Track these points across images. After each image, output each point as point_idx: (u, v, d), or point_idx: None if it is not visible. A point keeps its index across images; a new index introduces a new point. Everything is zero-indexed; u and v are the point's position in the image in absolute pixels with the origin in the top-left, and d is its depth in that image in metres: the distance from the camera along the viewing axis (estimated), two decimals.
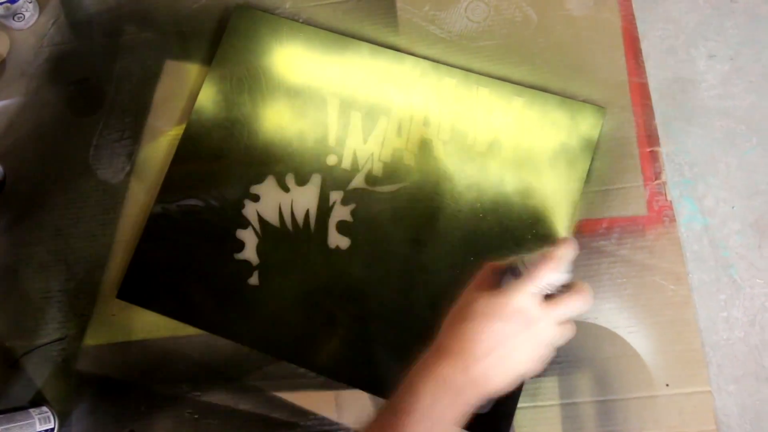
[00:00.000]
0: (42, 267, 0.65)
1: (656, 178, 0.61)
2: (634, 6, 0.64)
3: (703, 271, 0.60)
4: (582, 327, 0.59)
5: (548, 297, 0.45)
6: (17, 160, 0.68)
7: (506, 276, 0.46)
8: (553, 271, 0.45)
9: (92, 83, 0.70)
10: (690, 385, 0.57)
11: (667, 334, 0.58)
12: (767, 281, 0.59)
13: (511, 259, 0.47)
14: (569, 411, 0.57)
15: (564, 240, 0.47)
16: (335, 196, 0.63)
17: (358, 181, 0.63)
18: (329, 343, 0.60)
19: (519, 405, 0.57)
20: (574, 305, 0.45)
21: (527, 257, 0.46)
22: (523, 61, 0.64)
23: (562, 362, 0.58)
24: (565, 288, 0.46)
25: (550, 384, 0.58)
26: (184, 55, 0.69)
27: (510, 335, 0.43)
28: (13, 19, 0.70)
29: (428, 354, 0.45)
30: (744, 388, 0.58)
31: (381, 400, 0.59)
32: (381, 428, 0.44)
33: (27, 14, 0.71)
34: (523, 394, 0.57)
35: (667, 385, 0.57)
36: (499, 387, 0.44)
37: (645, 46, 0.64)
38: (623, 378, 0.57)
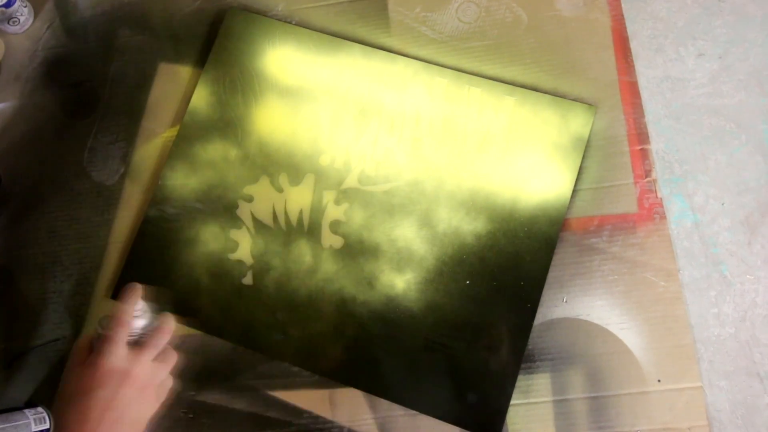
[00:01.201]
0: (37, 268, 0.66)
1: (646, 176, 0.61)
2: (623, 6, 0.65)
3: (693, 267, 0.60)
4: (574, 324, 0.59)
5: (138, 343, 0.49)
6: (12, 163, 0.69)
7: (95, 344, 0.48)
8: (126, 322, 0.49)
9: (87, 86, 0.70)
10: (681, 381, 0.57)
11: (658, 331, 0.58)
12: (757, 277, 0.60)
13: (96, 328, 0.50)
14: (562, 407, 0.58)
15: (125, 291, 0.51)
16: (328, 195, 0.63)
17: (351, 181, 0.63)
18: (323, 342, 0.60)
19: (512, 402, 0.57)
20: (157, 342, 0.49)
21: (103, 320, 0.49)
22: (514, 60, 0.65)
23: (555, 359, 0.59)
24: (149, 327, 0.50)
25: (543, 381, 0.58)
26: (178, 57, 0.69)
27: (111, 397, 0.46)
28: (8, 23, 0.71)
29: None
30: (735, 384, 0.58)
31: (375, 399, 0.59)
32: None
33: (22, 18, 0.71)
34: (515, 390, 0.57)
35: (659, 380, 0.57)
36: None
37: (634, 45, 0.64)
38: (615, 374, 0.58)
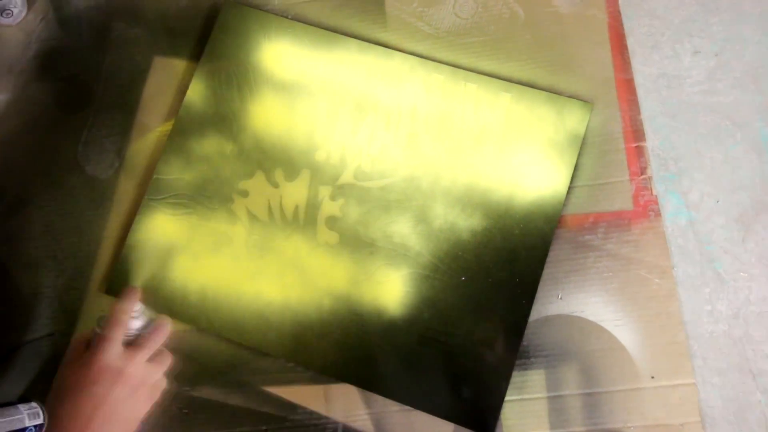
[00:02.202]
0: (31, 263, 0.65)
1: (642, 173, 0.61)
2: (620, 2, 0.65)
3: (687, 264, 0.61)
4: (569, 320, 0.59)
5: (132, 343, 0.50)
6: (5, 157, 0.68)
7: (92, 343, 0.49)
8: (123, 321, 0.50)
9: (81, 79, 0.69)
10: (675, 378, 0.58)
11: (652, 327, 0.59)
12: (751, 275, 0.60)
13: (93, 326, 0.51)
14: (556, 403, 0.58)
15: (125, 292, 0.52)
16: (324, 191, 0.63)
17: (346, 177, 0.63)
18: (317, 339, 0.60)
19: (506, 398, 0.57)
20: (151, 342, 0.50)
21: (101, 318, 0.50)
22: (511, 57, 0.65)
23: (549, 355, 0.59)
24: (145, 329, 0.51)
25: (537, 377, 0.58)
26: (173, 51, 0.69)
27: (103, 394, 0.46)
28: (1, 15, 0.70)
29: None
30: (728, 381, 0.58)
31: (370, 394, 0.59)
32: None
33: (15, 10, 0.70)
34: (510, 386, 0.57)
35: (653, 377, 0.58)
36: None
37: (631, 42, 0.64)
38: (609, 371, 0.58)
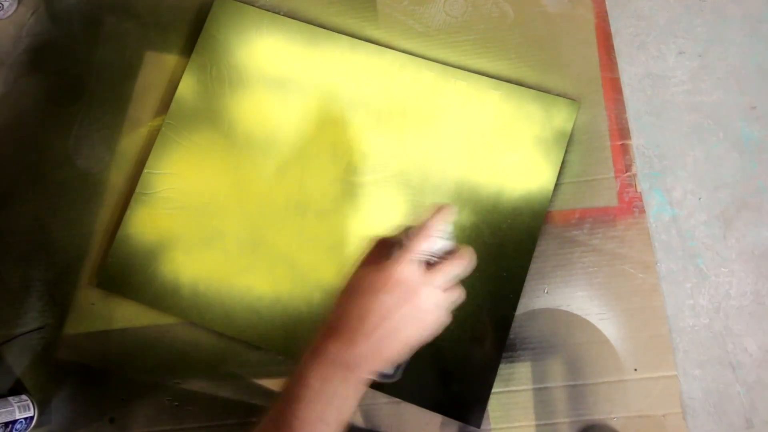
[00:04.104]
0: (22, 256, 0.65)
1: (627, 171, 0.63)
2: (607, 3, 0.66)
3: (670, 260, 0.62)
4: (554, 314, 0.60)
5: (432, 265, 0.46)
6: None
7: (393, 249, 0.46)
8: (432, 239, 0.46)
9: (72, 74, 0.69)
10: (657, 370, 0.59)
11: (635, 321, 0.60)
12: (731, 270, 0.62)
13: (399, 232, 0.48)
14: (542, 395, 0.59)
15: (440, 208, 0.47)
16: (315, 186, 0.64)
17: (337, 172, 0.64)
18: (308, 332, 0.61)
19: (493, 390, 0.58)
20: (453, 270, 0.46)
21: (411, 228, 0.47)
22: (500, 55, 0.66)
23: (536, 348, 0.60)
24: (448, 254, 0.47)
25: (524, 369, 0.60)
26: (164, 46, 0.69)
27: (393, 307, 0.44)
28: None
29: (317, 334, 0.45)
30: (708, 373, 0.60)
31: None
32: (274, 420, 0.43)
33: (6, 4, 0.70)
34: (497, 379, 0.59)
35: (636, 369, 0.59)
36: (392, 357, 0.45)
37: (617, 42, 0.66)
38: (594, 363, 0.59)
